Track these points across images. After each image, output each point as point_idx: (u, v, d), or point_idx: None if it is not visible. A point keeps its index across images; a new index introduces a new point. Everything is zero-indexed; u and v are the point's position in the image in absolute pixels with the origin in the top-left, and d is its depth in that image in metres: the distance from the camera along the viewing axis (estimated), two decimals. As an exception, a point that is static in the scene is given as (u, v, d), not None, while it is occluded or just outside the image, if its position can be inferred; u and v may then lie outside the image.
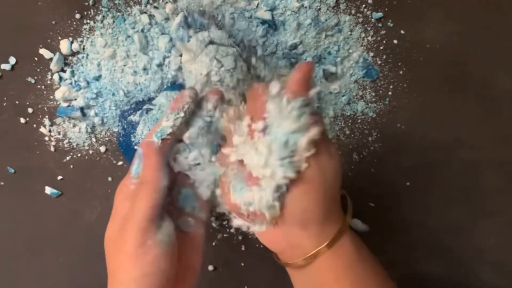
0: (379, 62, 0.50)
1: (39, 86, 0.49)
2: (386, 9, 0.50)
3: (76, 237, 0.50)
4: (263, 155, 0.33)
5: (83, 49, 0.49)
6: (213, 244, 0.51)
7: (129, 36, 0.48)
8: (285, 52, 0.49)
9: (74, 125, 0.49)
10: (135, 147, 0.47)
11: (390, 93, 0.50)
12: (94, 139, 0.50)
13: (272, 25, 0.48)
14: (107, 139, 0.50)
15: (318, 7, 0.49)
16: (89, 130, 0.49)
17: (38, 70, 0.49)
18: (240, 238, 0.50)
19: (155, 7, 0.48)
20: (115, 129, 0.50)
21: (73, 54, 0.49)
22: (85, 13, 0.49)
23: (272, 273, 0.50)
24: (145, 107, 0.47)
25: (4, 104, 0.49)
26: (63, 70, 0.49)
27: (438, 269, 0.51)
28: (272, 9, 0.48)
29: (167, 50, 0.46)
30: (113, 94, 0.49)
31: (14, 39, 0.49)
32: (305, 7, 0.49)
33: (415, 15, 0.50)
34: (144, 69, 0.47)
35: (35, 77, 0.49)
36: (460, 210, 0.51)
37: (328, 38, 0.49)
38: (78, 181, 0.50)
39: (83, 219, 0.50)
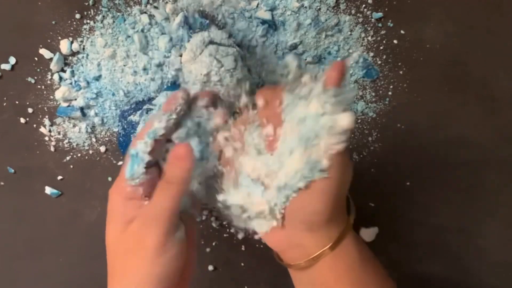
0: (379, 62, 0.50)
1: (39, 86, 0.49)
2: (386, 9, 0.50)
3: (76, 237, 0.50)
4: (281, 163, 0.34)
5: (83, 49, 0.49)
6: (213, 244, 0.51)
7: (129, 36, 0.48)
8: (285, 52, 0.49)
9: (74, 125, 0.49)
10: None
11: (390, 93, 0.50)
12: (94, 139, 0.50)
13: (272, 25, 0.48)
14: (107, 139, 0.50)
15: (318, 7, 0.49)
16: (89, 130, 0.49)
17: (38, 70, 0.49)
18: (240, 238, 0.50)
19: (155, 7, 0.48)
20: (115, 129, 0.50)
21: (73, 54, 0.49)
22: (85, 13, 0.49)
23: (272, 273, 0.50)
24: (145, 107, 0.47)
25: (4, 104, 0.49)
26: (63, 70, 0.49)
27: (438, 269, 0.51)
28: (272, 9, 0.48)
29: (167, 50, 0.46)
30: (113, 94, 0.49)
31: (14, 39, 0.49)
32: (305, 7, 0.49)
33: (415, 15, 0.50)
34: (144, 69, 0.47)
35: (35, 77, 0.49)
36: (460, 210, 0.51)
37: (328, 38, 0.49)
38: (78, 181, 0.50)
39: (83, 219, 0.50)
